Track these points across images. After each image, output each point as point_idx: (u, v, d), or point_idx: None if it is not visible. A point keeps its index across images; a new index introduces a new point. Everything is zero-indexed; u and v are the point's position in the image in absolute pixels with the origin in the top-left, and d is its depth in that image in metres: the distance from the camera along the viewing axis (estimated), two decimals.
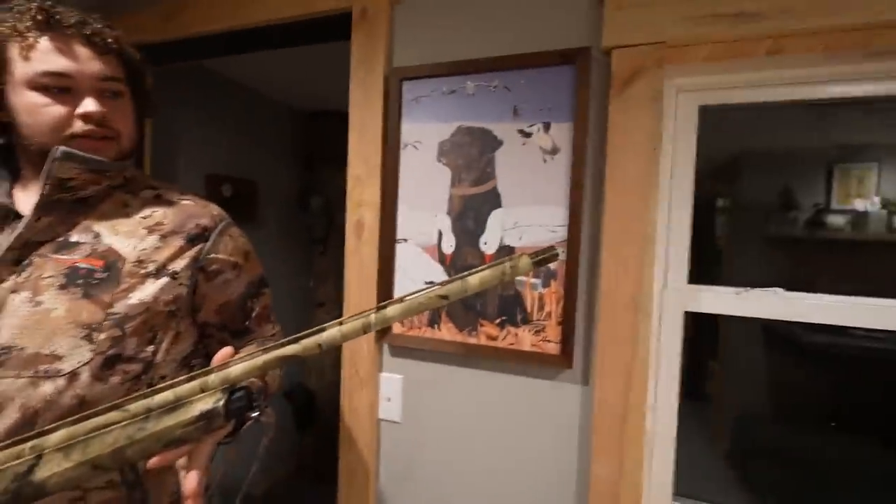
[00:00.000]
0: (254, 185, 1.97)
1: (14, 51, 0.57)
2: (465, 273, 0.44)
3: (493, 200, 0.84)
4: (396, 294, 0.90)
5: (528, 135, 0.82)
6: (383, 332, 0.92)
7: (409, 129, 0.90)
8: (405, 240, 0.90)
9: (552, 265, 0.79)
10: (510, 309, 0.82)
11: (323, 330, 0.43)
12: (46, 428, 0.38)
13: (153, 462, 0.40)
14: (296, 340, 0.43)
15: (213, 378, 0.41)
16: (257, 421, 0.43)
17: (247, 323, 0.73)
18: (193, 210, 0.68)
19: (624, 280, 0.75)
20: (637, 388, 0.75)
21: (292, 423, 2.28)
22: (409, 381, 0.92)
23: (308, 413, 2.31)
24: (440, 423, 0.90)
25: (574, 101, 0.78)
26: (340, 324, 0.44)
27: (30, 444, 0.38)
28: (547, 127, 0.81)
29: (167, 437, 0.40)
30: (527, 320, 0.81)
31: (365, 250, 0.92)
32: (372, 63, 0.92)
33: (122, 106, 0.64)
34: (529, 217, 0.81)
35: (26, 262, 0.56)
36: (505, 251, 0.82)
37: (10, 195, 0.61)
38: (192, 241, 0.65)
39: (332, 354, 2.19)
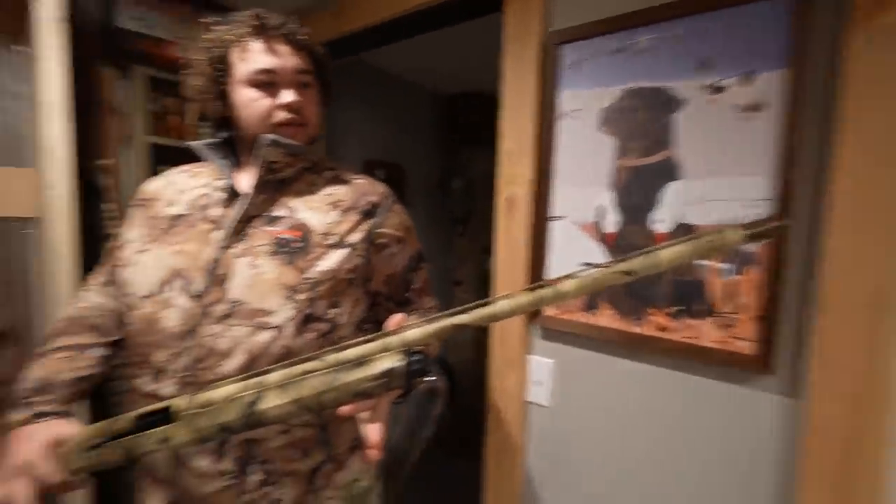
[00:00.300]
0: (401, 169, 2.12)
1: (235, 54, 0.68)
2: (655, 247, 0.38)
3: (668, 171, 0.73)
4: (551, 275, 0.86)
5: (718, 90, 0.68)
6: (534, 314, 0.88)
7: (568, 98, 0.83)
8: (560, 217, 0.85)
9: (751, 246, 0.65)
10: (688, 297, 0.71)
11: (493, 302, 0.42)
12: (268, 368, 0.44)
13: (344, 410, 0.44)
14: (466, 310, 0.43)
15: (393, 340, 0.43)
16: (432, 385, 0.44)
17: (407, 294, 0.77)
18: (365, 188, 0.74)
19: (862, 270, 0.57)
20: (872, 411, 0.58)
21: None
22: (562, 366, 0.87)
23: (447, 388, 2.44)
24: (595, 413, 0.83)
25: (788, 42, 0.62)
26: (511, 297, 0.42)
27: (256, 380, 0.45)
28: (747, 78, 0.66)
29: (355, 388, 0.43)
30: (711, 311, 0.69)
31: (516, 228, 0.90)
32: (526, 30, 0.88)
33: (311, 96, 0.72)
34: (718, 190, 0.68)
35: (244, 232, 0.67)
36: (683, 230, 0.71)
37: (230, 178, 0.74)
38: (365, 215, 0.71)
39: (471, 332, 2.26)
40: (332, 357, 0.44)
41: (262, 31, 0.67)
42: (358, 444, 0.73)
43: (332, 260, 0.66)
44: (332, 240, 0.67)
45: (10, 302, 0.97)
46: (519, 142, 0.89)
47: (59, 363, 0.62)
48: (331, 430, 0.68)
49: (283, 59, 0.67)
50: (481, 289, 2.36)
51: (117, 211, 1.14)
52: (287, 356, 0.60)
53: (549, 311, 0.86)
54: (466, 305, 0.43)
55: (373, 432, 0.45)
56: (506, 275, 0.93)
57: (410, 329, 0.43)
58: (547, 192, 0.86)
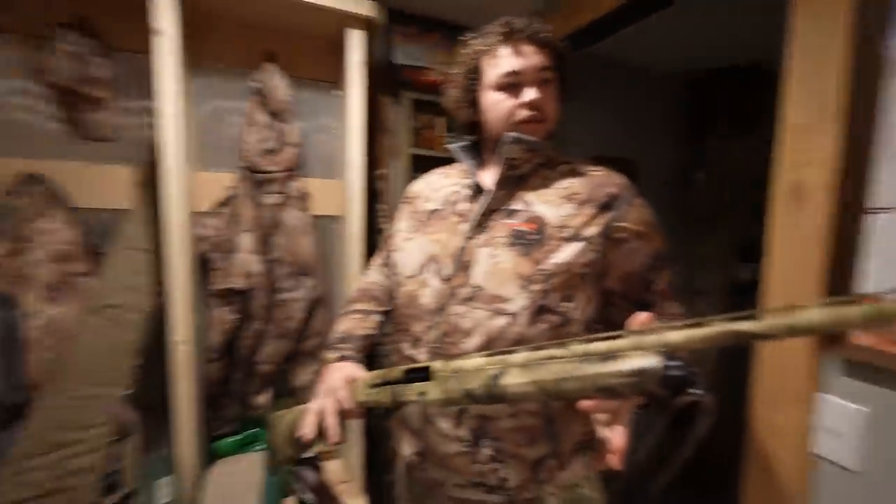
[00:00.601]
0: (633, 165, 1.93)
1: (485, 62, 0.74)
2: None
3: None
4: (865, 287, 0.62)
5: None
6: (831, 341, 0.66)
7: None
8: (887, 209, 0.60)
9: None
10: None
11: (799, 309, 0.32)
12: (512, 348, 0.46)
13: (584, 404, 0.42)
14: (753, 317, 0.34)
15: (649, 339, 0.39)
16: (696, 400, 0.37)
17: (646, 296, 0.69)
18: (602, 180, 0.70)
19: None
20: None
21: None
22: (882, 417, 0.62)
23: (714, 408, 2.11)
24: None
25: None
26: (828, 306, 0.32)
27: (500, 357, 0.48)
28: None
29: (600, 382, 0.40)
30: None
31: (805, 223, 0.69)
32: None
33: (550, 92, 0.73)
34: None
35: (486, 225, 0.72)
36: None
37: (475, 176, 0.82)
38: (602, 208, 0.67)
39: (712, 354, 1.88)
40: (579, 347, 0.43)
41: (509, 36, 0.71)
42: (584, 448, 0.70)
43: (566, 253, 0.65)
44: (566, 233, 0.66)
45: (323, 277, 1.34)
46: (816, 112, 0.68)
47: (354, 322, 0.82)
48: (558, 425, 0.67)
49: (527, 58, 0.70)
50: (731, 301, 1.94)
51: (388, 210, 1.44)
52: (520, 343, 0.62)
53: (862, 339, 0.62)
54: (751, 311, 0.35)
55: (616, 436, 0.41)
56: (785, 284, 0.72)
57: (671, 330, 0.38)
58: (861, 176, 0.63)
